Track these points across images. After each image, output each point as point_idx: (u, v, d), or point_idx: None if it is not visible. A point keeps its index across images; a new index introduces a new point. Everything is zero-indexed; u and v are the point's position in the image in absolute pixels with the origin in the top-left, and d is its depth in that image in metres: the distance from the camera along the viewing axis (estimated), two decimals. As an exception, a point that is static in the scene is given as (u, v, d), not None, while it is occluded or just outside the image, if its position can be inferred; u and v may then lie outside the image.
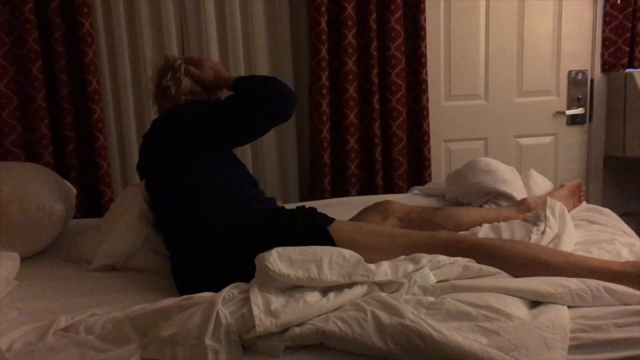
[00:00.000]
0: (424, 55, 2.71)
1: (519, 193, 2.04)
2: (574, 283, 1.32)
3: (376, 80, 2.69)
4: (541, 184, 2.18)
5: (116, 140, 2.69)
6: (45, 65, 2.49)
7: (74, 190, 2.24)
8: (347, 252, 1.42)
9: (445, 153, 2.98)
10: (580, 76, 2.96)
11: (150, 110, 2.61)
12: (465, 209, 1.97)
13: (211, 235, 1.63)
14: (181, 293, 1.53)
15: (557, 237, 1.65)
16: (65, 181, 2.22)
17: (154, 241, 1.80)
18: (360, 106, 2.72)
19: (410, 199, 2.28)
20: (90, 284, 1.68)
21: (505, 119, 2.98)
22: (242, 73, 2.66)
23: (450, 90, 2.92)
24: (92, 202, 2.61)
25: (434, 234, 1.63)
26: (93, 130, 2.55)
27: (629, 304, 1.28)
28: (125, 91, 2.63)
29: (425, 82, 2.74)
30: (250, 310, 1.24)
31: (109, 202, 2.58)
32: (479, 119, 2.97)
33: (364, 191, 2.74)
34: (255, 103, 1.72)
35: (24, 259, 1.77)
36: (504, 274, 1.44)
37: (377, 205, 1.91)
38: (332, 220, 1.66)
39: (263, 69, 2.69)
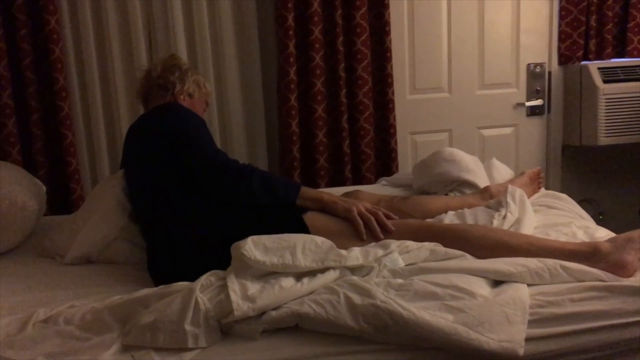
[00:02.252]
0: (389, 50, 2.78)
1: (482, 181, 2.13)
2: (533, 263, 1.41)
3: (343, 74, 2.75)
4: (503, 172, 2.27)
5: (84, 137, 2.68)
6: (11, 63, 2.47)
7: (44, 187, 2.24)
8: (319, 239, 1.48)
9: (411, 145, 3.07)
10: (538, 69, 3.08)
11: (118, 106, 2.63)
12: (431, 198, 2.05)
13: (189, 226, 1.67)
14: (156, 284, 1.55)
15: (518, 222, 1.74)
16: (35, 178, 2.21)
17: (130, 231, 1.82)
18: (328, 100, 2.78)
19: (379, 190, 2.35)
20: (67, 278, 1.69)
21: (468, 111, 3.07)
22: (210, 70, 2.69)
23: (415, 83, 3.00)
24: (61, 200, 2.61)
25: (404, 221, 1.70)
26: (61, 128, 2.55)
27: (583, 281, 1.37)
28: (92, 88, 2.63)
29: (390, 76, 2.81)
30: (227, 296, 1.28)
31: (79, 199, 2.59)
32: (443, 112, 3.06)
33: (333, 183, 2.80)
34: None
35: (-2, 256, 1.77)
36: (468, 256, 1.51)
37: (347, 195, 1.97)
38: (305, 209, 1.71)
39: (231, 66, 2.72)
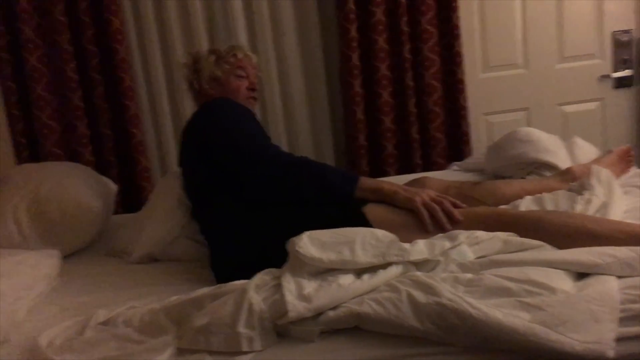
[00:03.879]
0: (456, 27, 2.62)
1: (563, 162, 1.95)
2: (622, 252, 1.24)
3: (409, 56, 2.62)
4: (587, 151, 2.08)
5: (153, 135, 2.72)
6: (78, 65, 2.53)
7: (115, 187, 2.27)
8: (380, 232, 1.38)
9: (485, 127, 2.89)
10: (625, 37, 2.80)
11: (184, 102, 2.63)
12: (506, 182, 1.89)
13: (245, 223, 1.62)
14: (218, 281, 1.52)
15: (604, 206, 1.56)
16: (105, 178, 2.25)
17: (192, 229, 1.81)
18: (393, 85, 2.66)
19: (450, 176, 2.22)
20: (130, 277, 1.69)
21: (547, 87, 2.86)
22: (273, 63, 2.64)
23: (488, 61, 2.82)
24: (133, 198, 2.65)
25: (472, 209, 1.57)
26: (130, 127, 2.58)
27: (684, 272, 1.20)
28: (158, 86, 2.65)
29: (459, 54, 2.65)
30: (282, 296, 1.22)
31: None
32: (519, 89, 2.86)
33: (403, 171, 2.69)
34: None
35: (65, 257, 1.80)
36: (547, 246, 1.37)
37: (413, 182, 1.86)
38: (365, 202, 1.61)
39: (292, 54, 2.66)
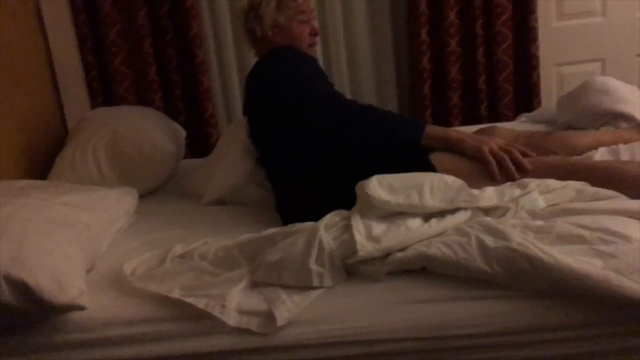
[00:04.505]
0: (531, -29, 2.51)
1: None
2: (703, 204, 1.21)
3: (479, 3, 2.53)
4: (668, 104, 1.98)
5: (219, 82, 2.76)
6: (149, 13, 2.57)
7: (184, 132, 2.35)
8: (449, 178, 1.39)
9: (556, 78, 2.79)
10: None
11: (250, 50, 2.65)
12: (578, 133, 1.84)
13: (311, 168, 1.65)
14: (285, 224, 1.56)
15: (686, 158, 1.50)
16: (175, 123, 2.32)
17: (259, 175, 1.85)
18: (462, 33, 2.59)
19: (519, 127, 2.17)
20: (201, 218, 1.76)
21: (626, 37, 2.71)
22: (338, 6, 2.61)
23: (563, 8, 2.70)
24: (200, 144, 2.72)
25: (542, 159, 1.54)
26: (197, 74, 2.62)
27: None
28: (225, 35, 2.67)
29: (533, 1, 2.54)
30: (352, 236, 1.25)
31: (216, 143, 2.68)
32: (595, 39, 2.73)
33: (467, 122, 2.64)
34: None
35: (141, 196, 1.88)
36: (622, 197, 1.34)
37: (482, 131, 1.83)
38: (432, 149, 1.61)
39: (359, 2, 2.62)
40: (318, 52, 2.64)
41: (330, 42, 2.67)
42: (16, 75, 2.03)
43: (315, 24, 1.94)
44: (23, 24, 2.21)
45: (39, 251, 1.17)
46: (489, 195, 1.35)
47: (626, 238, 1.14)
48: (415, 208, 1.32)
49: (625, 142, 1.68)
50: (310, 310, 1.18)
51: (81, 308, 1.15)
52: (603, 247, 1.13)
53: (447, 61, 2.59)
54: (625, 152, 1.59)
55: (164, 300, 1.22)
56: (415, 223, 1.29)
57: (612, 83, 2.00)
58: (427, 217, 1.32)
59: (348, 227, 1.28)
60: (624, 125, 1.86)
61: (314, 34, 1.91)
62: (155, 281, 1.28)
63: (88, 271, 1.36)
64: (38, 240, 1.20)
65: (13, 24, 2.09)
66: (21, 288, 1.10)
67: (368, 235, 1.25)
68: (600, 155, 1.61)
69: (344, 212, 1.37)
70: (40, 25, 2.40)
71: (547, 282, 1.10)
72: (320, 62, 2.66)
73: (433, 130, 1.63)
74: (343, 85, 2.70)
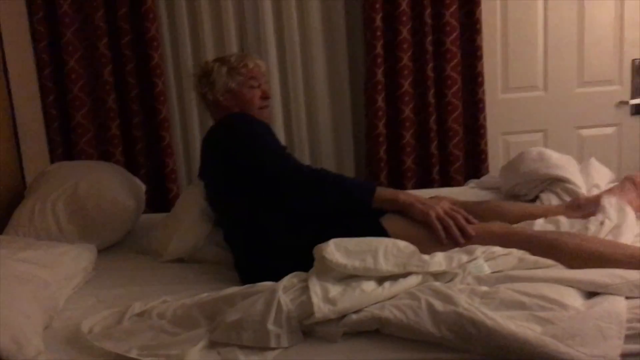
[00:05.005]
0: (479, 48, 2.70)
1: (575, 177, 2.02)
2: (632, 275, 1.31)
3: (432, 74, 2.70)
4: (602, 174, 2.15)
5: (181, 139, 2.81)
6: (115, 69, 2.63)
7: (144, 187, 2.37)
8: (402, 243, 1.47)
9: (503, 146, 2.96)
10: (644, 64, 2.87)
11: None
12: (510, 203, 1.95)
13: (268, 233, 1.71)
14: (243, 283, 1.60)
15: (617, 228, 1.63)
16: (136, 178, 2.35)
17: (217, 236, 1.89)
18: (415, 101, 2.74)
19: (467, 192, 2.29)
20: (161, 274, 1.79)
21: (565, 110, 2.92)
22: (299, 72, 2.73)
23: (508, 82, 2.90)
24: (159, 198, 2.74)
25: (487, 226, 1.64)
26: (160, 130, 2.67)
27: (690, 295, 1.27)
28: (189, 92, 2.74)
29: (481, 74, 2.73)
30: (309, 297, 1.30)
31: (175, 198, 2.69)
32: (537, 111, 2.93)
33: (421, 185, 2.76)
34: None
35: (99, 251, 1.89)
36: (560, 266, 1.44)
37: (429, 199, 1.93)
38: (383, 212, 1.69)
39: (319, 67, 2.75)
40: (278, 116, 2.75)
41: (292, 105, 2.78)
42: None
43: (267, 87, 2.02)
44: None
45: (-2, 309, 1.18)
46: (438, 260, 1.43)
47: (563, 305, 1.23)
48: (370, 272, 1.38)
49: (553, 214, 1.76)
50: (267, 371, 1.21)
51: (39, 367, 1.16)
52: (541, 314, 1.21)
53: (402, 126, 2.73)
54: (564, 223, 1.70)
55: (122, 360, 1.24)
56: (369, 286, 1.35)
57: (547, 152, 2.18)
58: (381, 280, 1.39)
59: (306, 289, 1.34)
60: (562, 192, 1.99)
61: (264, 97, 1.97)
62: (113, 340, 1.29)
63: (45, 328, 1.36)
64: (-2, 298, 1.21)
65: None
66: (-21, 346, 1.10)
67: (324, 297, 1.31)
68: (541, 225, 1.72)
69: (301, 274, 1.42)
70: (4, 77, 2.42)
71: (491, 345, 1.18)
72: (280, 127, 2.76)
73: (383, 193, 1.72)
74: (302, 145, 2.79)
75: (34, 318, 1.25)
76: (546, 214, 1.77)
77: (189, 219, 1.91)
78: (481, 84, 2.73)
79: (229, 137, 1.81)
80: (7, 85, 2.44)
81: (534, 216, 1.75)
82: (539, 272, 1.38)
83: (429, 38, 2.67)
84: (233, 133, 1.81)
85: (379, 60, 2.67)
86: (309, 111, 2.81)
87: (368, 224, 1.65)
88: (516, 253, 1.47)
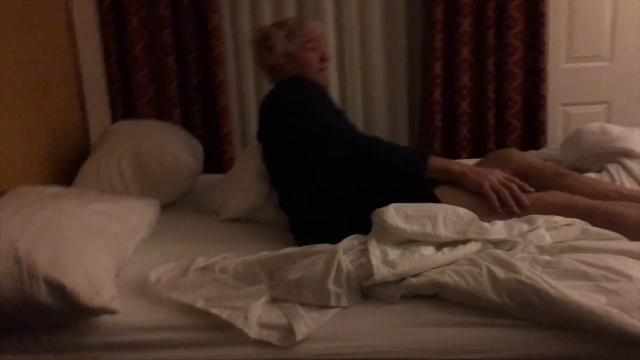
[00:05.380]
0: (544, 15, 2.61)
1: (640, 148, 1.96)
2: (701, 249, 1.28)
3: (492, 42, 2.63)
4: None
5: (237, 101, 2.84)
6: (174, 30, 2.67)
7: (201, 147, 2.42)
8: (461, 210, 1.46)
9: (563, 117, 2.88)
10: None
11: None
12: (596, 181, 1.82)
13: (321, 196, 1.72)
14: (299, 245, 1.62)
15: None
16: (194, 138, 2.40)
17: (274, 198, 1.92)
18: (474, 69, 2.69)
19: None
20: (220, 233, 1.84)
21: (632, 82, 2.81)
22: (356, 37, 2.71)
23: (573, 51, 2.80)
24: (214, 160, 2.78)
25: (544, 196, 1.60)
26: (217, 93, 2.71)
27: None
28: (245, 56, 2.76)
29: (544, 43, 2.64)
30: (368, 259, 1.32)
31: (230, 161, 2.76)
32: (602, 82, 2.82)
33: (475, 155, 2.71)
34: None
35: (161, 208, 1.95)
36: (624, 239, 1.41)
37: (497, 152, 1.89)
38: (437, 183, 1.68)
39: (376, 33, 2.72)
40: (334, 79, 2.74)
41: (347, 73, 2.76)
42: (47, 85, 2.11)
43: (326, 49, 1.99)
44: (56, 36, 2.30)
45: (75, 256, 1.24)
46: (498, 228, 1.42)
47: (629, 277, 1.21)
48: (429, 237, 1.39)
49: None
50: (327, 327, 1.24)
51: (113, 312, 1.22)
52: (607, 285, 1.20)
53: (459, 95, 2.68)
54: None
55: (188, 310, 1.29)
56: (428, 251, 1.36)
57: (607, 125, 2.12)
58: (439, 246, 1.39)
59: (365, 251, 1.35)
60: (629, 162, 1.92)
61: (323, 59, 1.96)
62: (179, 291, 1.35)
63: (115, 277, 1.42)
64: (74, 246, 1.27)
65: (47, 35, 2.18)
66: (59, 290, 1.16)
67: (384, 259, 1.32)
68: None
69: (361, 237, 1.44)
70: (71, 38, 2.49)
71: (553, 314, 1.17)
72: (335, 91, 2.75)
73: (436, 162, 1.70)
74: (356, 113, 2.78)
75: (108, 266, 1.31)
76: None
77: (248, 180, 1.95)
78: (544, 52, 2.65)
79: (286, 100, 1.82)
80: (74, 46, 2.50)
81: (624, 197, 1.64)
82: (604, 244, 1.35)
83: (491, 4, 2.59)
84: (290, 96, 1.82)
85: (438, 26, 2.61)
86: (364, 77, 2.79)
87: (421, 193, 1.63)
88: (579, 224, 1.44)
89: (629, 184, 1.83)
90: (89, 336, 1.23)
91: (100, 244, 1.34)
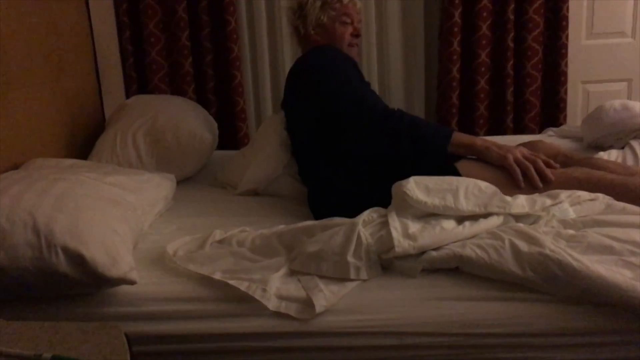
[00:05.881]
0: (565, -11, 2.56)
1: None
2: None
3: (512, 17, 2.58)
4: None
5: (251, 78, 2.82)
6: (189, 5, 2.64)
7: (215, 123, 2.40)
8: (483, 184, 1.43)
9: (582, 95, 2.83)
10: None
11: (283, 50, 2.72)
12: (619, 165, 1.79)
13: (344, 169, 1.71)
14: (316, 219, 1.61)
15: None
16: (209, 114, 2.38)
17: (293, 167, 1.91)
18: (493, 45, 2.64)
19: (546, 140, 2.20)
20: (236, 207, 1.83)
21: (653, 59, 2.75)
22: (372, 12, 2.66)
23: (593, 27, 2.74)
24: (228, 137, 2.77)
25: (568, 171, 1.57)
26: (231, 69, 2.68)
27: None
28: (260, 31, 2.73)
29: (566, 18, 2.59)
30: (389, 232, 1.30)
31: (245, 137, 2.75)
32: (623, 59, 2.77)
33: (493, 132, 2.69)
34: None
35: (177, 182, 1.94)
36: (649, 214, 1.38)
37: (525, 143, 1.87)
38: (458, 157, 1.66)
39: (393, 7, 2.67)
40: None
41: (363, 47, 2.72)
42: (63, 59, 2.10)
43: (359, 25, 2.00)
44: (71, 11, 2.28)
45: (93, 226, 1.24)
46: (521, 202, 1.39)
47: (655, 252, 1.18)
48: (450, 210, 1.36)
49: None
50: (346, 300, 1.23)
51: (132, 282, 1.21)
52: (632, 259, 1.17)
53: (477, 72, 2.64)
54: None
55: (206, 281, 1.28)
56: (449, 224, 1.34)
57: (629, 102, 2.09)
58: (460, 219, 1.37)
59: (385, 224, 1.34)
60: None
61: (355, 34, 1.96)
62: (197, 263, 1.34)
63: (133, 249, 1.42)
64: (92, 216, 1.26)
65: (62, 10, 2.16)
66: (77, 259, 1.16)
67: (404, 232, 1.30)
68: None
69: (380, 210, 1.42)
70: (86, 12, 2.47)
71: (577, 288, 1.15)
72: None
73: (460, 137, 1.67)
74: (372, 86, 2.74)
75: (125, 237, 1.30)
76: None
77: (269, 148, 1.93)
78: (565, 28, 2.60)
79: (315, 66, 1.81)
80: (89, 20, 2.48)
81: None
82: (629, 218, 1.32)
83: (511, -22, 2.54)
84: (319, 63, 1.81)
85: (456, 1, 2.57)
86: (380, 53, 2.75)
87: (443, 167, 1.61)
88: (603, 199, 1.42)
89: (652, 160, 1.79)
90: (109, 306, 1.23)
91: (117, 215, 1.33)
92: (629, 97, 2.77)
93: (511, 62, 2.63)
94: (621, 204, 1.40)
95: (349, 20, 1.94)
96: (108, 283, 1.19)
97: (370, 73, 2.75)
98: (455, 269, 1.28)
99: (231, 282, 1.24)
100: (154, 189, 1.66)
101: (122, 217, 1.35)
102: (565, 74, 2.65)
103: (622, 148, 1.97)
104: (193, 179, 2.11)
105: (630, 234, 1.24)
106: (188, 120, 2.06)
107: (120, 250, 1.23)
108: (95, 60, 2.52)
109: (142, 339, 1.19)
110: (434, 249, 1.28)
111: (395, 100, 2.78)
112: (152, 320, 1.22)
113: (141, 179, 1.64)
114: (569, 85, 2.70)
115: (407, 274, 1.28)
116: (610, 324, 1.15)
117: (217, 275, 1.27)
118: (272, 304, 1.21)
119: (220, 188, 2.01)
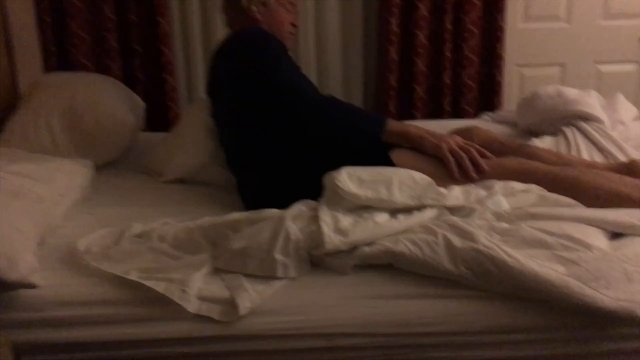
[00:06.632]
0: (503, -29, 2.53)
1: (597, 112, 1.93)
2: (659, 216, 1.25)
3: (450, -1, 2.54)
4: (628, 109, 2.06)
5: (182, 55, 2.67)
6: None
7: (143, 104, 2.26)
8: (417, 175, 1.39)
9: (518, 79, 2.84)
10: (675, -2, 2.71)
11: (216, 23, 2.58)
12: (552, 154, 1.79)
13: (276, 157, 1.63)
14: (247, 208, 1.53)
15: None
16: (134, 94, 2.23)
17: (221, 156, 1.81)
18: (431, 27, 2.60)
19: (481, 125, 2.19)
20: (160, 195, 1.72)
21: (586, 44, 2.79)
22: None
23: (530, 10, 2.74)
24: (159, 117, 2.63)
25: (502, 161, 1.55)
26: (160, 45, 2.53)
27: None
28: (191, 7, 2.59)
29: (503, 0, 2.57)
30: (319, 227, 1.23)
31: (175, 118, 2.61)
32: (557, 43, 2.79)
33: (431, 115, 2.66)
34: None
35: (97, 169, 1.81)
36: (581, 205, 1.37)
37: (461, 129, 1.83)
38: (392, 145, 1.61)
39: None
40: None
41: (300, 29, 2.61)
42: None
43: (298, 17, 1.92)
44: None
45: (-11, 224, 1.11)
46: (455, 194, 1.36)
47: (588, 246, 1.17)
48: (383, 203, 1.31)
49: None
50: (272, 300, 1.16)
51: (32, 286, 1.10)
52: (565, 254, 1.15)
53: (415, 54, 2.59)
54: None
55: (121, 282, 1.18)
56: (382, 218, 1.29)
57: (563, 89, 2.09)
58: (394, 212, 1.32)
59: (315, 218, 1.27)
60: (583, 124, 1.89)
61: (294, 25, 1.88)
62: (111, 261, 1.23)
63: (38, 245, 1.29)
64: (-12, 212, 1.13)
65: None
66: (-32, 262, 1.03)
67: (335, 227, 1.24)
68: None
69: (311, 203, 1.35)
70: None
71: (510, 284, 1.12)
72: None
73: (393, 125, 1.62)
74: (310, 72, 2.66)
75: (27, 234, 1.18)
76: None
77: (194, 136, 1.83)
78: (502, 10, 2.58)
79: (246, 51, 1.70)
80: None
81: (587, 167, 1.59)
82: (562, 211, 1.31)
83: (450, -41, 2.49)
84: (250, 47, 1.70)
85: (396, -19, 2.50)
86: (317, 34, 2.66)
87: (377, 157, 1.56)
88: (536, 190, 1.40)
89: (584, 147, 1.80)
90: (5, 312, 1.11)
91: (18, 208, 1.21)
92: (562, 82, 2.80)
93: (449, 45, 2.60)
94: (554, 196, 1.39)
95: (292, 9, 1.86)
96: (5, 287, 1.07)
97: (308, 54, 2.66)
98: (389, 264, 1.23)
99: (147, 283, 1.15)
100: (67, 177, 1.53)
101: (25, 210, 1.22)
102: (501, 57, 2.64)
103: (556, 135, 1.97)
104: (116, 165, 1.97)
105: (564, 228, 1.22)
106: (108, 100, 1.91)
107: (20, 249, 1.11)
108: (7, 32, 2.30)
109: (43, 348, 1.10)
110: (367, 245, 1.22)
111: (333, 83, 2.71)
112: (56, 326, 1.12)
113: (51, 167, 1.50)
114: (505, 68, 2.70)
115: (339, 271, 1.22)
116: (544, 321, 1.14)
117: (133, 276, 1.17)
118: (192, 306, 1.13)
119: (145, 175, 1.88)
